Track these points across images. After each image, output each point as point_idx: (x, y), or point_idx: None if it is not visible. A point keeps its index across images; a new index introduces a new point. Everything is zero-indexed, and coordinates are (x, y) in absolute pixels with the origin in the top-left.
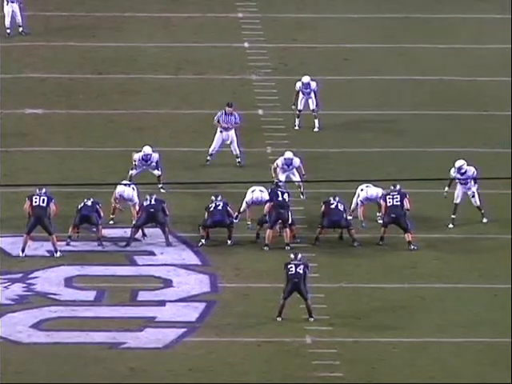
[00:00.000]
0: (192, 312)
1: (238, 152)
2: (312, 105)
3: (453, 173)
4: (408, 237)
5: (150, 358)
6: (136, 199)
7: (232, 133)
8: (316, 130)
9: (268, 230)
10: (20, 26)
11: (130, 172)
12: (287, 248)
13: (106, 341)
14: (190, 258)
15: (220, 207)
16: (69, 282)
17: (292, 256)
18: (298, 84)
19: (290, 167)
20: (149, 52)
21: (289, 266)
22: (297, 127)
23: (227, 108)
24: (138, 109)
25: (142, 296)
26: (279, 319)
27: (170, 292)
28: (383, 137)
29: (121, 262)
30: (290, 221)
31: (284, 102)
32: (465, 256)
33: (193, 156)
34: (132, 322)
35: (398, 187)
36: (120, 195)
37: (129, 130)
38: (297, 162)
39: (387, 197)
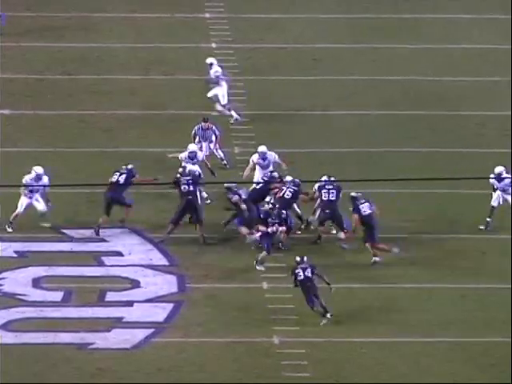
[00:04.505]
0: (160, 312)
1: (223, 155)
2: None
3: (492, 180)
4: (341, 235)
5: (118, 359)
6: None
7: (210, 144)
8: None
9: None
10: None
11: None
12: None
13: (74, 341)
14: (158, 258)
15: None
16: (36, 282)
17: (298, 259)
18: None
19: (266, 161)
20: (118, 52)
21: (296, 271)
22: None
23: (203, 123)
24: (107, 109)
25: (110, 296)
26: (324, 321)
27: (137, 292)
28: (353, 136)
29: (88, 262)
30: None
31: (252, 103)
32: (434, 256)
33: (162, 156)
34: (100, 323)
35: (333, 179)
36: None
37: (99, 131)
38: (272, 155)
39: (323, 191)
